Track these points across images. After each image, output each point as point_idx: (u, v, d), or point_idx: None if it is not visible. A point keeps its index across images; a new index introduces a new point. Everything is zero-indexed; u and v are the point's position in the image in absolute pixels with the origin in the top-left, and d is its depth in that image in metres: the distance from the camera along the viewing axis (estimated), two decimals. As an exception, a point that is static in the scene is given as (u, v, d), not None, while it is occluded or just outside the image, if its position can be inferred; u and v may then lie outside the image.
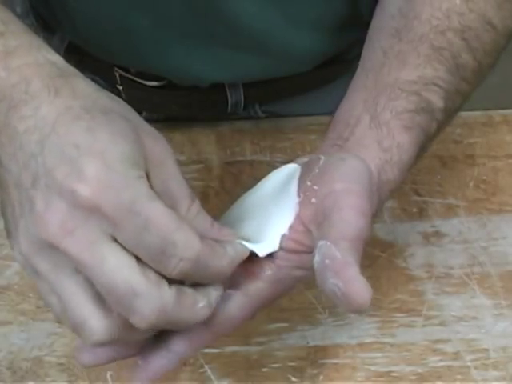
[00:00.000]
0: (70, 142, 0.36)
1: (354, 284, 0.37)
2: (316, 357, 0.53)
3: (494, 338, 0.54)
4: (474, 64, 0.50)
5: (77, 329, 0.38)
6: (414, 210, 0.62)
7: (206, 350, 0.53)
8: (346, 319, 0.55)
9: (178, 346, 0.42)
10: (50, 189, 0.36)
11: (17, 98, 0.38)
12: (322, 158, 0.43)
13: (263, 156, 0.66)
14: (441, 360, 0.53)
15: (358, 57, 0.74)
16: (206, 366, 0.53)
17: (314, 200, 0.41)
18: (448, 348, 0.53)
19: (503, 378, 0.52)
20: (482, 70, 0.51)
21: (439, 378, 0.52)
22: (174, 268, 0.37)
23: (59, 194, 0.36)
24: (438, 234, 0.60)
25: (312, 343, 0.54)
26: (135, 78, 0.69)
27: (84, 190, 0.35)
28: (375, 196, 0.43)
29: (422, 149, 0.47)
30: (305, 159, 0.45)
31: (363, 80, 0.50)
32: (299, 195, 0.42)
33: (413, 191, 0.63)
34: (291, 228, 0.42)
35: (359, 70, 0.51)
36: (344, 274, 0.37)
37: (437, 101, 0.47)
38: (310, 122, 0.68)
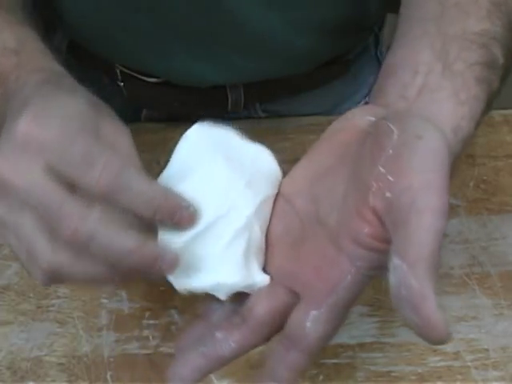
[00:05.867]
0: (23, 102, 0.41)
1: (430, 321, 0.35)
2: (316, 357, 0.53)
3: (494, 338, 0.54)
4: None
5: (29, 255, 0.40)
6: (414, 209, 0.61)
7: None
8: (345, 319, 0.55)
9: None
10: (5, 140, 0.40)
11: (13, 88, 0.45)
12: (395, 131, 0.38)
13: (263, 156, 0.65)
14: (441, 360, 0.53)
15: (357, 57, 0.75)
16: (206, 366, 0.53)
17: (388, 194, 0.37)
18: (448, 348, 0.53)
19: (503, 378, 0.52)
20: None
21: (439, 377, 0.52)
22: (100, 176, 0.38)
23: (7, 141, 0.40)
24: (438, 234, 0.60)
25: (312, 343, 0.54)
26: (136, 75, 0.69)
27: (20, 125, 0.39)
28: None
29: (488, 106, 0.45)
30: (368, 117, 0.41)
31: (422, 27, 0.46)
32: (371, 183, 0.38)
33: (413, 191, 0.62)
34: (367, 222, 0.38)
35: (405, 20, 0.48)
36: (420, 310, 0.35)
37: (500, 56, 0.45)
38: (309, 121, 0.68)
